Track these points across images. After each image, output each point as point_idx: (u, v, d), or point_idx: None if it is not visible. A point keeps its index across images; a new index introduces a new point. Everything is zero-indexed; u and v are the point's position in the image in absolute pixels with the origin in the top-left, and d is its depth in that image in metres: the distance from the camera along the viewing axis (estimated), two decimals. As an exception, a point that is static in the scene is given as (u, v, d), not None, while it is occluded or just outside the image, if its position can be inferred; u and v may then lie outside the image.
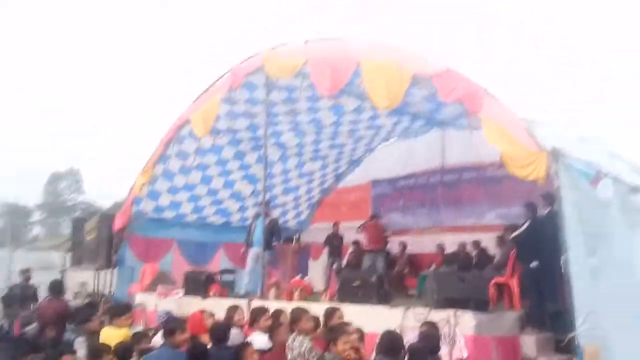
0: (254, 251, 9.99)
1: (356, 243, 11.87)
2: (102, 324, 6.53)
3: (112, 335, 5.66)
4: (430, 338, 5.04)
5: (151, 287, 10.26)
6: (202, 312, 6.79)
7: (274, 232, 9.98)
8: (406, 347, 4.53)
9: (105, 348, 5.17)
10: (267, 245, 9.60)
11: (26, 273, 11.01)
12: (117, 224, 11.37)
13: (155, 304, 9.47)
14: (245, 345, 4.85)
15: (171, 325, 5.22)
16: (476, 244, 10.22)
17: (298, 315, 4.91)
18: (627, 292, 6.09)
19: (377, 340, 4.45)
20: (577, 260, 5.41)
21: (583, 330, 5.22)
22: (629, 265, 6.28)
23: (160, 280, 10.35)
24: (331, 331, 4.56)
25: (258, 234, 9.81)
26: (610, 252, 5.95)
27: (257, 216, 10.28)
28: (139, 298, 10.12)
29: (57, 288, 8.21)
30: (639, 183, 7.51)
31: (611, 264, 5.90)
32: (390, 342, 4.36)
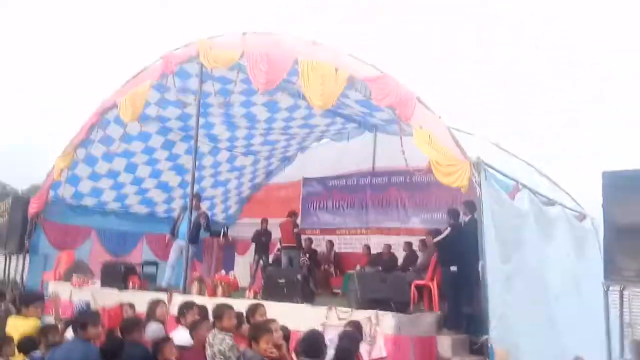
0: (178, 243, 9.76)
1: (284, 240, 11.85)
2: (8, 313, 6.14)
3: (18, 325, 5.32)
4: (353, 337, 5.10)
5: (66, 276, 9.80)
6: (122, 305, 6.55)
7: (201, 225, 9.78)
8: (329, 346, 4.54)
9: (9, 339, 4.86)
10: (193, 238, 9.40)
11: None
12: (32, 208, 10.80)
13: (70, 294, 9.07)
14: (164, 340, 4.70)
15: (83, 317, 4.98)
16: (408, 245, 10.45)
17: (221, 311, 4.82)
18: (538, 299, 6.46)
19: (299, 339, 4.45)
20: (493, 266, 5.67)
21: (495, 334, 5.48)
22: (541, 274, 6.66)
23: (76, 269, 9.90)
24: (254, 328, 4.50)
25: (184, 227, 9.58)
26: (524, 260, 6.28)
27: (184, 208, 10.03)
28: (52, 287, 9.64)
29: None
30: (553, 197, 8.00)
31: (524, 272, 6.23)
32: (312, 342, 4.36)
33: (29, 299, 5.68)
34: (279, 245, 11.84)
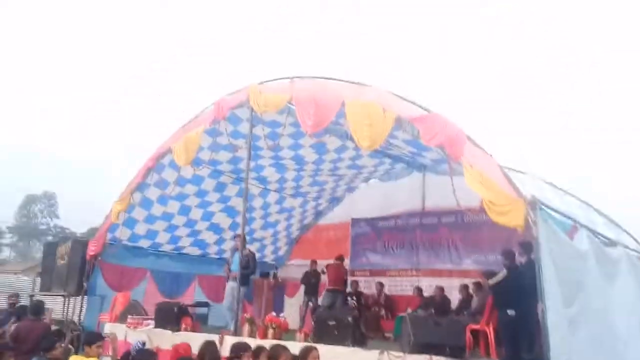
0: (230, 285, 9.85)
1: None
2: (67, 353, 6.31)
3: (80, 364, 5.43)
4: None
5: (121, 318, 9.99)
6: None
7: (249, 266, 9.85)
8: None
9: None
10: (243, 280, 9.45)
11: (13, 298, 10.67)
12: (91, 250, 11.12)
13: (125, 335, 9.22)
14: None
15: (142, 356, 5.06)
16: (464, 287, 10.15)
17: (277, 352, 4.79)
18: (604, 344, 6.10)
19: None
20: (554, 309, 5.40)
21: (559, 382, 5.18)
22: (606, 318, 6.30)
23: (131, 310, 10.08)
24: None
25: (234, 268, 9.69)
26: (587, 302, 5.97)
27: (234, 250, 10.16)
28: (108, 327, 9.84)
29: (39, 310, 7.94)
30: (613, 236, 7.65)
31: (588, 316, 5.92)
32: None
33: (91, 338, 5.81)
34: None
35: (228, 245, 12.64)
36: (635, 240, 8.87)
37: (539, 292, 5.45)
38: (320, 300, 11.74)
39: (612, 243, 7.36)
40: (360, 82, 7.65)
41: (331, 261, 12.00)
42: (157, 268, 12.03)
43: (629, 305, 6.89)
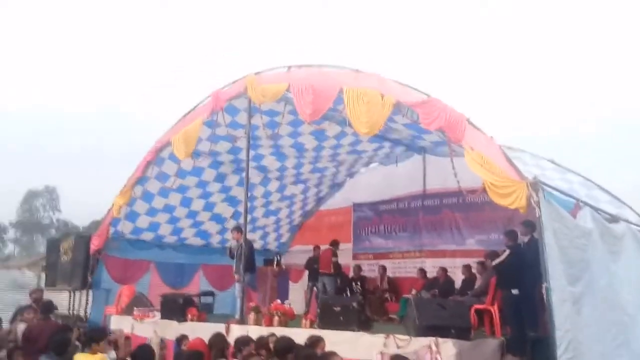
0: (236, 276, 9.88)
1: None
2: (74, 350, 6.32)
3: (86, 361, 5.45)
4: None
5: (127, 310, 10.05)
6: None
7: (247, 255, 9.80)
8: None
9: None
10: (246, 268, 9.43)
11: (35, 294, 10.67)
12: (94, 244, 11.18)
13: (132, 327, 9.28)
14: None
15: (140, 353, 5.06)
16: (467, 268, 10.18)
17: (290, 345, 4.82)
18: (611, 320, 6.14)
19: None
20: (559, 288, 5.43)
21: (565, 359, 5.23)
22: (612, 294, 6.34)
23: (137, 303, 10.14)
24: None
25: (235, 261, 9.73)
26: (592, 280, 6.00)
27: (236, 242, 10.15)
28: (115, 321, 9.90)
29: (49, 308, 7.95)
30: (616, 212, 7.65)
31: (593, 292, 5.95)
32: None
33: (97, 335, 5.81)
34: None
35: (231, 235, 12.68)
36: (637, 213, 8.87)
37: (543, 271, 5.47)
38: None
39: (614, 219, 7.37)
40: (358, 69, 7.59)
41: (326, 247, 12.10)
42: (161, 260, 12.09)
43: (634, 279, 6.92)
